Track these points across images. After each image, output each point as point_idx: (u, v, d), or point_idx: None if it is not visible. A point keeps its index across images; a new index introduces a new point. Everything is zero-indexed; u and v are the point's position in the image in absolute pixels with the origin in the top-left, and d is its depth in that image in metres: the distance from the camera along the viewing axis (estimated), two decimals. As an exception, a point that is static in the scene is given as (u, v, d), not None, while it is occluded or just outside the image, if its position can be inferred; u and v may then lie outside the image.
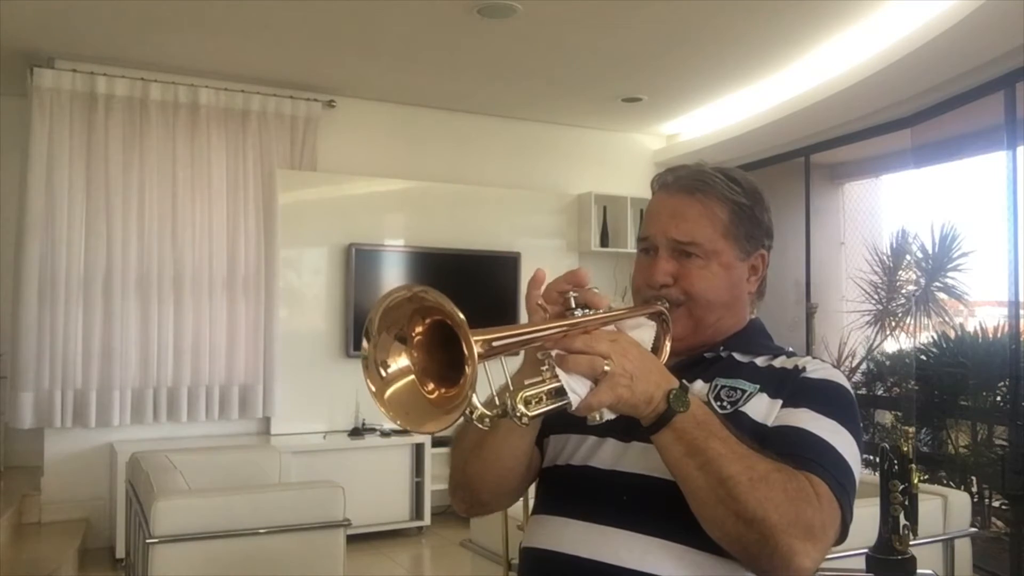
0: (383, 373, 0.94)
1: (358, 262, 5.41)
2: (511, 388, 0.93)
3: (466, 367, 0.85)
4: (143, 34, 4.51)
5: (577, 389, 0.94)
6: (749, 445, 1.02)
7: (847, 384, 1.18)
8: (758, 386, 1.16)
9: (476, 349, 0.85)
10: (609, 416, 0.98)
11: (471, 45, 4.63)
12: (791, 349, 1.28)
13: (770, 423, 1.11)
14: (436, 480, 5.24)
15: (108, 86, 4.86)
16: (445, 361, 0.92)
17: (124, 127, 4.92)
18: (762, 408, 1.13)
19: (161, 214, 4.99)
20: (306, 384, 5.30)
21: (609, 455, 1.16)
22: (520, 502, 1.57)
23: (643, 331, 1.14)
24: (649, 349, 1.13)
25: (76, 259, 4.77)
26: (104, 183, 4.85)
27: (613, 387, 0.95)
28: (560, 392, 0.95)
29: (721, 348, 1.25)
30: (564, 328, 0.99)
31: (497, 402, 0.92)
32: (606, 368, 0.95)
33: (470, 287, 5.67)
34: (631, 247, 6.22)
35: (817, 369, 1.18)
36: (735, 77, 5.18)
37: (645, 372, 0.99)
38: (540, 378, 0.95)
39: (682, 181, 1.25)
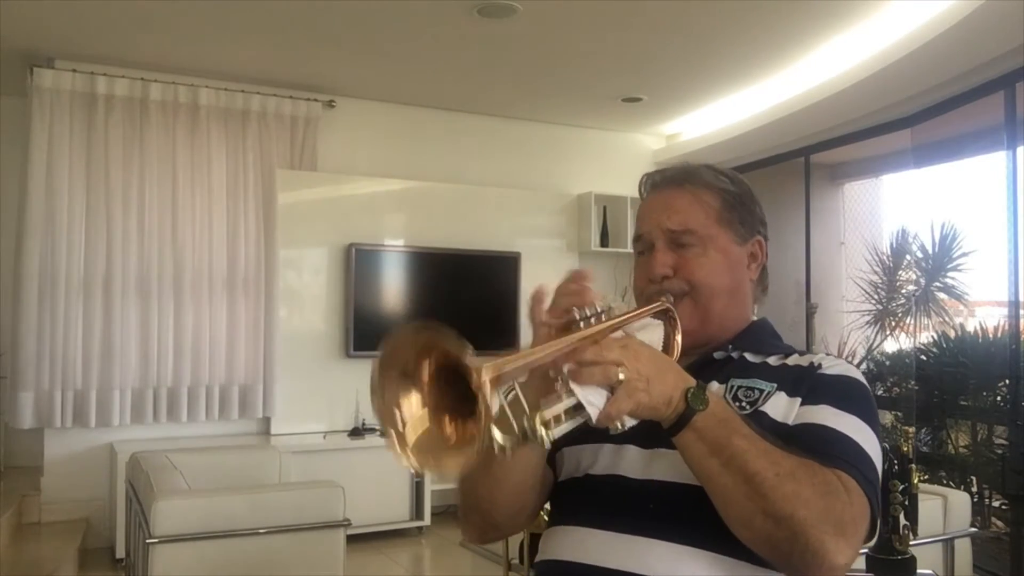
0: (400, 425, 0.91)
1: (358, 262, 5.40)
2: (527, 409, 0.90)
3: (479, 404, 0.83)
4: (143, 34, 4.51)
5: (594, 401, 0.92)
6: (772, 441, 1.00)
7: (863, 379, 1.16)
8: (775, 384, 1.13)
9: (486, 378, 0.82)
10: (631, 423, 0.96)
11: (471, 45, 4.63)
12: (802, 348, 1.25)
13: (791, 422, 1.09)
14: (436, 480, 5.23)
15: (108, 86, 4.86)
16: (458, 394, 0.88)
17: (124, 127, 4.92)
18: (781, 407, 1.11)
19: (161, 214, 4.99)
20: (306, 384, 5.30)
21: (637, 463, 1.13)
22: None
23: (651, 331, 1.12)
24: (659, 349, 1.11)
25: (76, 259, 4.77)
26: (104, 183, 4.85)
27: (631, 393, 0.93)
28: (578, 407, 0.92)
29: (730, 347, 1.23)
30: (572, 343, 0.96)
31: (515, 426, 0.89)
32: (621, 376, 0.93)
33: (470, 287, 5.68)
34: (631, 247, 6.21)
35: (833, 365, 1.16)
36: (735, 77, 5.18)
37: (660, 373, 0.97)
38: (555, 395, 0.93)
39: (669, 177, 1.27)
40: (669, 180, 1.26)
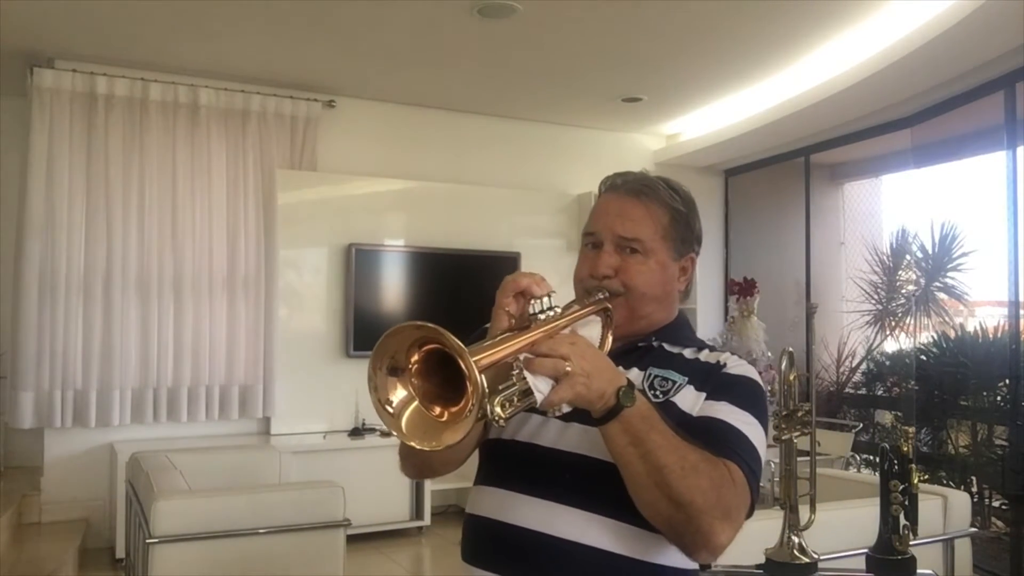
0: (391, 410, 1.06)
1: (358, 262, 5.40)
2: (487, 392, 1.02)
3: (468, 385, 0.98)
4: (143, 34, 4.51)
5: (541, 388, 1.07)
6: (681, 436, 1.16)
7: (759, 379, 1.36)
8: (686, 378, 1.31)
9: (476, 373, 0.96)
10: (567, 409, 1.10)
11: (471, 45, 4.63)
12: (711, 342, 1.46)
13: (695, 413, 1.27)
14: (436, 480, 5.23)
15: (108, 86, 4.86)
16: (441, 381, 1.04)
17: (124, 127, 4.92)
18: (689, 399, 1.29)
19: (161, 214, 4.99)
20: (306, 384, 5.30)
21: (551, 434, 1.30)
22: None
23: (592, 327, 1.29)
24: (598, 342, 1.28)
25: (76, 259, 4.77)
26: (104, 183, 4.85)
27: (572, 385, 1.08)
28: (527, 392, 1.07)
29: (653, 338, 1.40)
30: (534, 339, 1.13)
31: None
32: (567, 369, 1.07)
33: (470, 287, 5.66)
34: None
35: (736, 366, 1.35)
36: (735, 77, 5.18)
37: (600, 371, 1.11)
38: (511, 381, 1.07)
39: (630, 184, 1.41)
40: (629, 189, 1.40)
